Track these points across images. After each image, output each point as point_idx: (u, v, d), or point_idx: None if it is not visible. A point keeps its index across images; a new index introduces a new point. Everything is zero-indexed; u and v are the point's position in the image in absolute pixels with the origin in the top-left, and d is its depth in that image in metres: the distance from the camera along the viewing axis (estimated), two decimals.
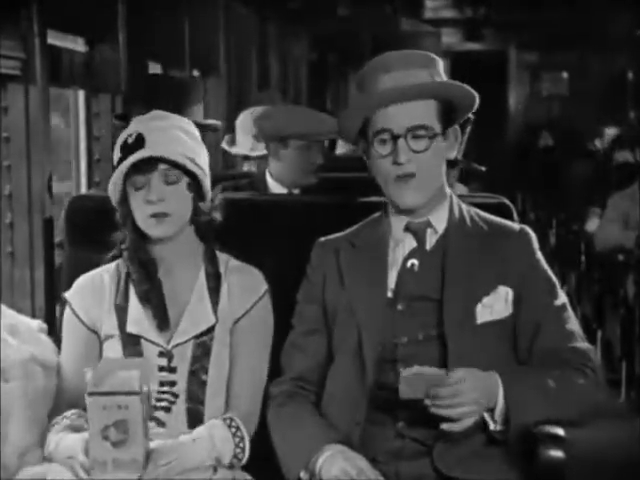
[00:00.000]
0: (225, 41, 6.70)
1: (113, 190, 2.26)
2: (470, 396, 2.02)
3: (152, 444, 2.12)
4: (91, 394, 2.03)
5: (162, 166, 2.22)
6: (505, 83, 14.33)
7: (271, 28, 8.53)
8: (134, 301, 2.30)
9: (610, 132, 8.89)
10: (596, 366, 2.18)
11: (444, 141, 2.21)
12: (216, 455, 2.19)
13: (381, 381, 2.18)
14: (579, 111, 12.87)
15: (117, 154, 2.26)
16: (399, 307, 2.21)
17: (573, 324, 2.22)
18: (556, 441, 2.11)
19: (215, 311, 2.29)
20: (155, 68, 5.30)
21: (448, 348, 2.15)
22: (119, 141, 2.27)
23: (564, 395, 2.10)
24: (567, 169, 8.42)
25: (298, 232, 2.45)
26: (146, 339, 2.27)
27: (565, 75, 13.98)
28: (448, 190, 2.28)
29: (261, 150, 4.05)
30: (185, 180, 2.25)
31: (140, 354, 2.27)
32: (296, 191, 3.67)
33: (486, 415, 2.06)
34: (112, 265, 2.35)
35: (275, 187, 3.68)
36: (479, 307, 2.18)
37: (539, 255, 2.25)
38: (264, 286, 2.34)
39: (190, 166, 2.24)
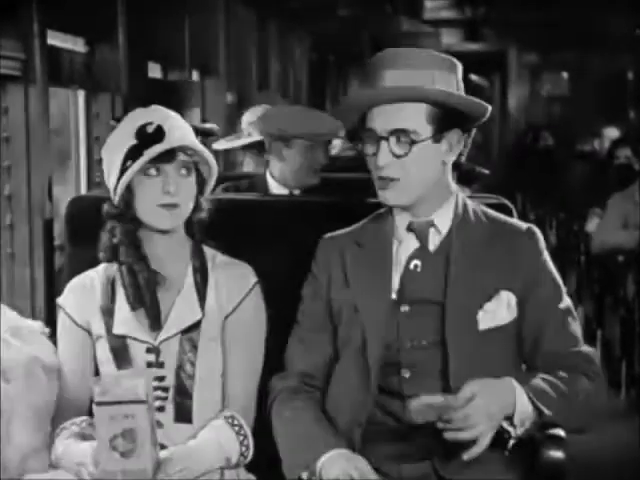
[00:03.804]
0: (225, 41, 6.70)
1: (128, 176, 2.21)
2: (484, 413, 1.98)
3: (161, 452, 2.11)
4: (98, 404, 2.02)
5: (180, 157, 2.23)
6: (505, 83, 14.33)
7: (271, 28, 8.53)
8: (120, 302, 2.30)
9: (609, 132, 8.88)
10: (599, 370, 2.17)
11: (437, 144, 2.16)
12: (224, 456, 2.21)
13: (385, 384, 2.17)
14: (579, 111, 12.87)
15: (128, 140, 2.23)
16: (402, 309, 2.19)
17: (576, 328, 2.20)
18: (556, 442, 2.11)
19: (202, 306, 2.29)
20: (155, 68, 5.30)
21: (449, 355, 2.13)
22: (128, 128, 2.25)
23: (574, 397, 2.09)
24: (567, 169, 8.42)
25: (298, 232, 2.46)
26: (133, 338, 2.28)
27: (565, 75, 13.98)
28: (454, 189, 2.25)
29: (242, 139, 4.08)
30: (194, 174, 2.27)
31: (127, 353, 2.27)
32: (297, 192, 3.67)
33: (505, 424, 2.02)
34: (101, 267, 2.35)
35: (276, 188, 3.68)
36: (481, 314, 2.15)
37: (546, 256, 2.23)
38: (253, 279, 2.33)
39: (208, 155, 2.25)
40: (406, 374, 2.16)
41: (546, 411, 2.03)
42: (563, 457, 2.11)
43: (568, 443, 2.15)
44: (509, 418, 2.03)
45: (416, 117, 2.14)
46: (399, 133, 2.13)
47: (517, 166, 11.83)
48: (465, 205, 2.25)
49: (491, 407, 1.99)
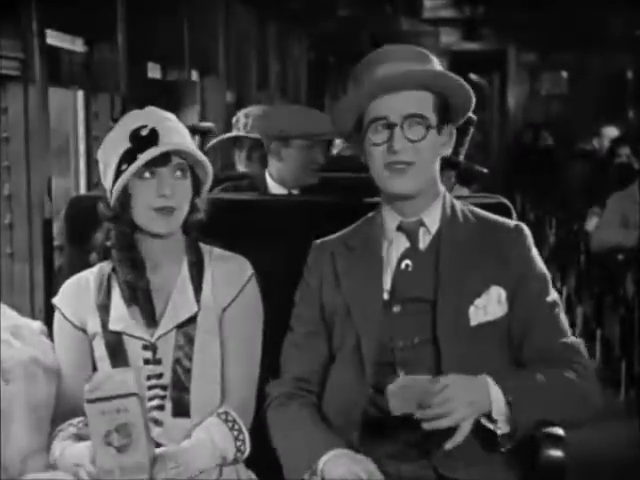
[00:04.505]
0: (225, 41, 6.70)
1: (123, 180, 2.21)
2: (462, 398, 1.98)
3: (156, 450, 2.11)
4: (88, 401, 2.02)
5: (174, 161, 2.24)
6: (504, 83, 14.33)
7: (271, 28, 8.53)
8: (116, 299, 2.30)
9: (608, 131, 8.89)
10: (587, 361, 2.17)
11: (439, 136, 2.20)
12: (219, 453, 2.21)
13: (380, 384, 2.16)
14: (578, 110, 12.88)
15: (122, 144, 2.23)
16: (395, 309, 2.20)
17: (563, 320, 2.22)
18: (556, 441, 2.11)
19: (198, 300, 2.29)
20: (154, 68, 5.30)
21: (442, 351, 2.14)
22: (122, 131, 2.25)
23: (557, 391, 2.09)
24: (567, 169, 8.42)
25: (297, 232, 2.46)
26: (129, 334, 2.28)
27: (565, 75, 13.98)
28: (442, 188, 2.27)
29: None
30: (189, 177, 2.27)
31: (123, 350, 2.27)
32: (296, 191, 3.67)
33: (483, 420, 2.03)
34: (96, 267, 2.35)
35: (275, 188, 3.68)
36: (472, 309, 2.16)
37: (534, 252, 2.24)
38: (249, 271, 2.34)
39: (203, 159, 2.26)
40: (400, 373, 2.15)
41: (511, 398, 2.02)
42: (563, 456, 2.11)
43: (568, 443, 2.14)
44: (489, 416, 2.03)
45: (426, 104, 2.17)
46: (414, 118, 2.15)
47: (517, 166, 11.83)
48: (453, 204, 2.26)
49: (468, 393, 2.00)
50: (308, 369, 2.27)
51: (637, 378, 5.30)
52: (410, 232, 2.23)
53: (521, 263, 2.21)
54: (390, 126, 2.15)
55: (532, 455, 2.12)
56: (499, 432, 2.04)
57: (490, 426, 2.03)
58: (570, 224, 7.35)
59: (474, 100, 2.22)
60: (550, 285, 2.24)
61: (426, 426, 1.98)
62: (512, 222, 2.28)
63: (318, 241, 2.34)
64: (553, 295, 2.23)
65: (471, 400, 2.00)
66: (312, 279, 2.29)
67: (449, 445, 2.00)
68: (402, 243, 2.24)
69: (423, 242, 2.23)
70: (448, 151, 2.26)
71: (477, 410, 2.02)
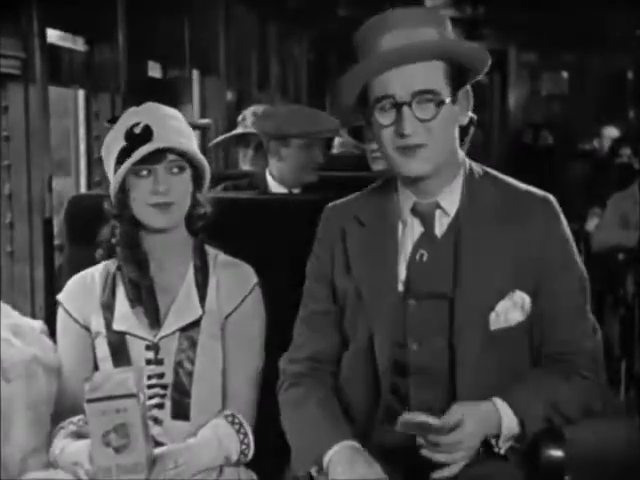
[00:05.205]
0: (225, 41, 6.69)
1: (118, 179, 2.23)
2: (469, 443, 1.94)
3: (158, 449, 2.12)
4: (89, 401, 2.03)
5: (170, 157, 2.24)
6: (505, 83, 14.32)
7: (271, 28, 8.52)
8: (121, 299, 2.31)
9: (608, 131, 8.89)
10: (600, 367, 2.11)
11: (454, 106, 2.01)
12: (224, 454, 2.21)
13: (394, 385, 2.07)
14: (579, 110, 12.88)
15: (119, 142, 2.25)
16: (410, 302, 2.06)
17: (588, 314, 2.10)
18: (556, 441, 2.11)
19: (202, 305, 2.30)
20: (155, 68, 5.30)
21: (457, 358, 2.03)
22: (120, 129, 2.26)
23: (567, 401, 2.07)
24: (567, 168, 8.43)
25: (297, 231, 2.45)
26: (132, 334, 2.28)
27: (565, 75, 13.98)
28: (461, 158, 2.09)
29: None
30: (188, 171, 2.27)
31: (126, 350, 2.27)
32: (296, 190, 3.68)
33: (493, 441, 2.00)
34: (102, 264, 2.36)
35: (275, 187, 3.69)
36: (492, 315, 2.04)
37: (563, 226, 2.09)
38: (254, 279, 2.34)
39: (198, 156, 2.26)
40: (413, 376, 2.07)
41: (530, 428, 2.01)
42: (563, 456, 2.11)
43: (568, 443, 2.14)
44: (495, 437, 2.00)
45: (437, 77, 1.98)
46: (424, 94, 1.97)
47: (517, 166, 11.82)
48: (472, 175, 2.09)
49: (477, 435, 1.96)
50: (324, 348, 2.17)
51: (637, 378, 5.31)
52: (424, 216, 2.07)
53: (547, 242, 2.06)
54: (398, 105, 1.97)
55: (532, 455, 2.12)
56: (501, 452, 2.02)
57: (495, 447, 2.02)
58: (570, 224, 7.34)
59: (489, 61, 2.03)
60: (577, 264, 2.09)
61: (424, 453, 1.94)
62: (539, 192, 2.10)
63: (329, 206, 2.20)
64: (579, 278, 2.09)
65: (478, 441, 1.96)
66: (323, 253, 2.16)
67: (436, 475, 1.95)
68: (417, 227, 2.08)
69: (440, 227, 2.07)
70: (467, 118, 2.07)
71: (477, 448, 1.98)
